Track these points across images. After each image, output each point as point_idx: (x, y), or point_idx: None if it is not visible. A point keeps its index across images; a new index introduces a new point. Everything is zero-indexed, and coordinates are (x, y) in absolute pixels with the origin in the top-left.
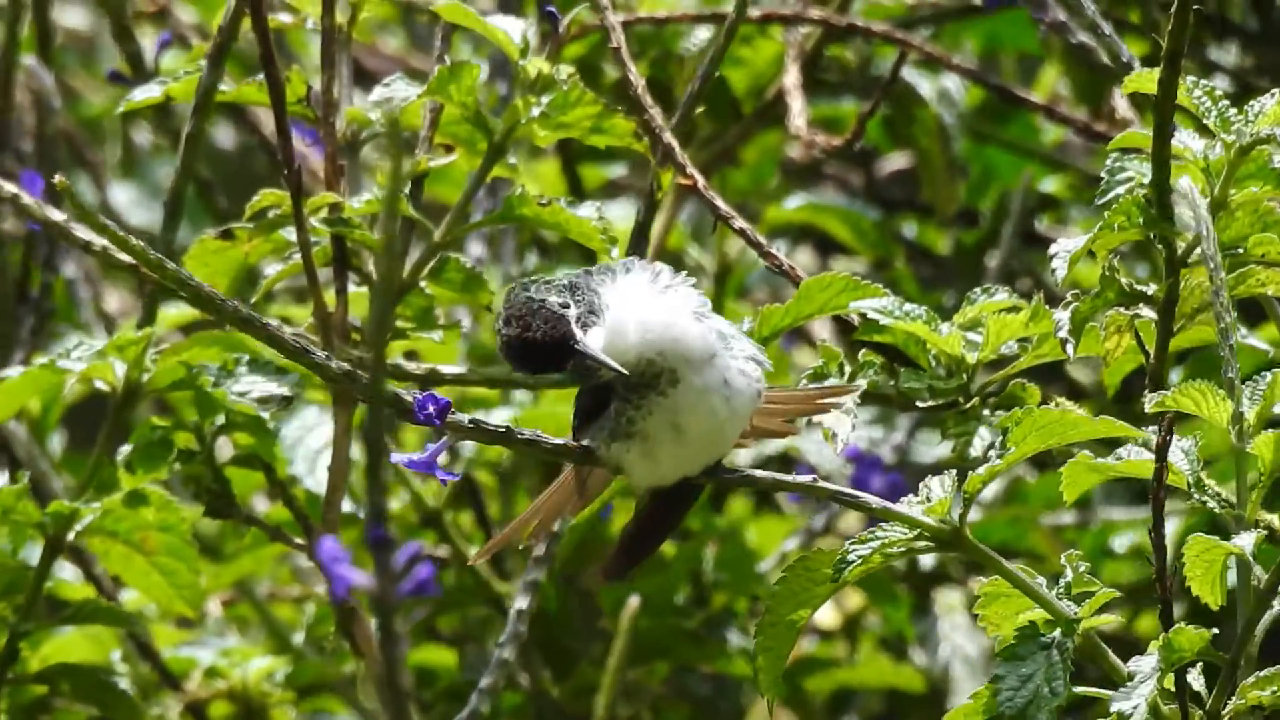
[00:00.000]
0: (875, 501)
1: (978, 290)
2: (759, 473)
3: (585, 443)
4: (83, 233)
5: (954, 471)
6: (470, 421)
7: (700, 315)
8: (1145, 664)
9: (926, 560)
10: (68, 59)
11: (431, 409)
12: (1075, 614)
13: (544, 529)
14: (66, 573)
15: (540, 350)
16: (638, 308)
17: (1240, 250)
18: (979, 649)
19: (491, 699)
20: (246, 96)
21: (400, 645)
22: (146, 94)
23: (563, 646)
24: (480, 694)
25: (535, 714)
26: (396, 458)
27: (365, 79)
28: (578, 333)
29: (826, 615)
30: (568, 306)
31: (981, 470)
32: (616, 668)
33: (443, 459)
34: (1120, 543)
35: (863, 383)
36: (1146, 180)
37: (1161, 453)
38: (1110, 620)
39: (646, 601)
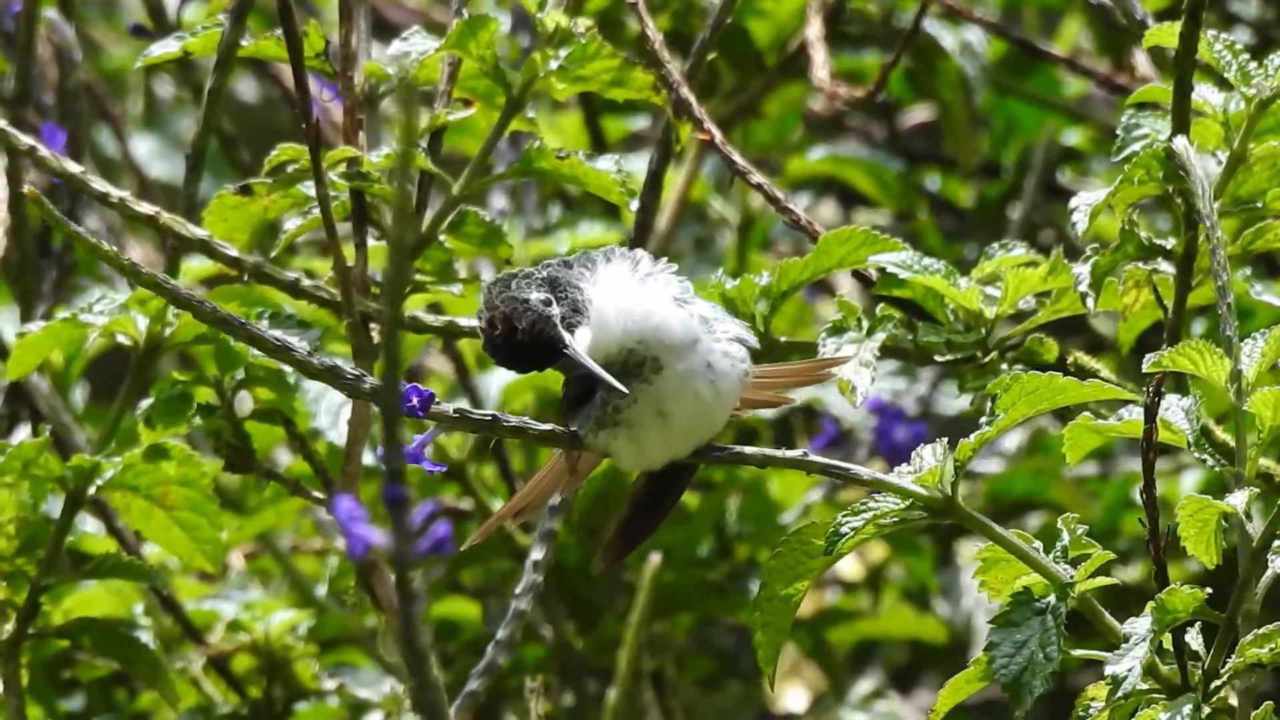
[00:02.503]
0: (865, 473)
1: (996, 245)
2: (749, 450)
3: (573, 429)
4: (100, 185)
5: (945, 440)
6: (455, 411)
7: (681, 301)
8: (1140, 626)
9: None
10: (89, 12)
11: (415, 401)
12: (1071, 577)
13: (537, 508)
14: (89, 527)
15: (527, 353)
16: (618, 299)
17: (1259, 204)
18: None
19: (510, 650)
20: (265, 51)
21: (418, 603)
22: (165, 49)
23: (586, 599)
24: (498, 645)
25: (559, 667)
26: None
27: (386, 31)
28: (565, 337)
29: (850, 567)
30: (550, 304)
31: (971, 438)
32: (639, 622)
33: (430, 449)
34: None
35: (853, 351)
36: (1163, 136)
37: (1150, 414)
38: (1106, 581)
39: (670, 554)
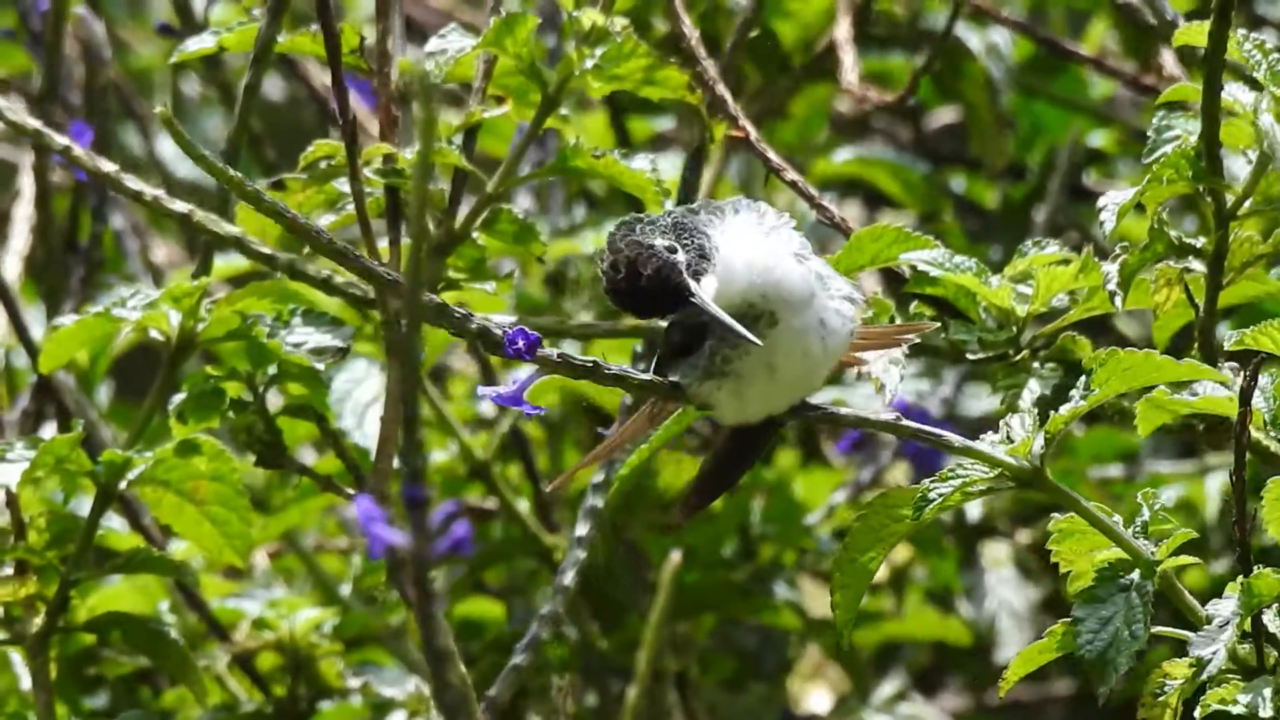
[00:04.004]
0: (957, 440)
1: (1028, 243)
2: (843, 410)
3: (673, 379)
4: (134, 183)
5: (1034, 411)
6: (559, 356)
7: (801, 257)
8: (1225, 608)
9: (973, 513)
10: (116, 10)
11: (521, 344)
12: (1153, 554)
13: (618, 453)
14: (113, 524)
15: (651, 298)
16: (745, 250)
17: None
18: (1025, 602)
19: (540, 652)
20: (300, 47)
21: (438, 603)
22: (200, 44)
23: (610, 599)
24: (541, 620)
25: (583, 666)
26: (483, 390)
27: (413, 31)
28: (692, 285)
29: None
30: (675, 251)
31: (1064, 410)
32: (658, 623)
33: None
34: (1168, 496)
35: (935, 324)
36: (1193, 137)
37: (1247, 395)
38: (1185, 561)
39: (694, 554)
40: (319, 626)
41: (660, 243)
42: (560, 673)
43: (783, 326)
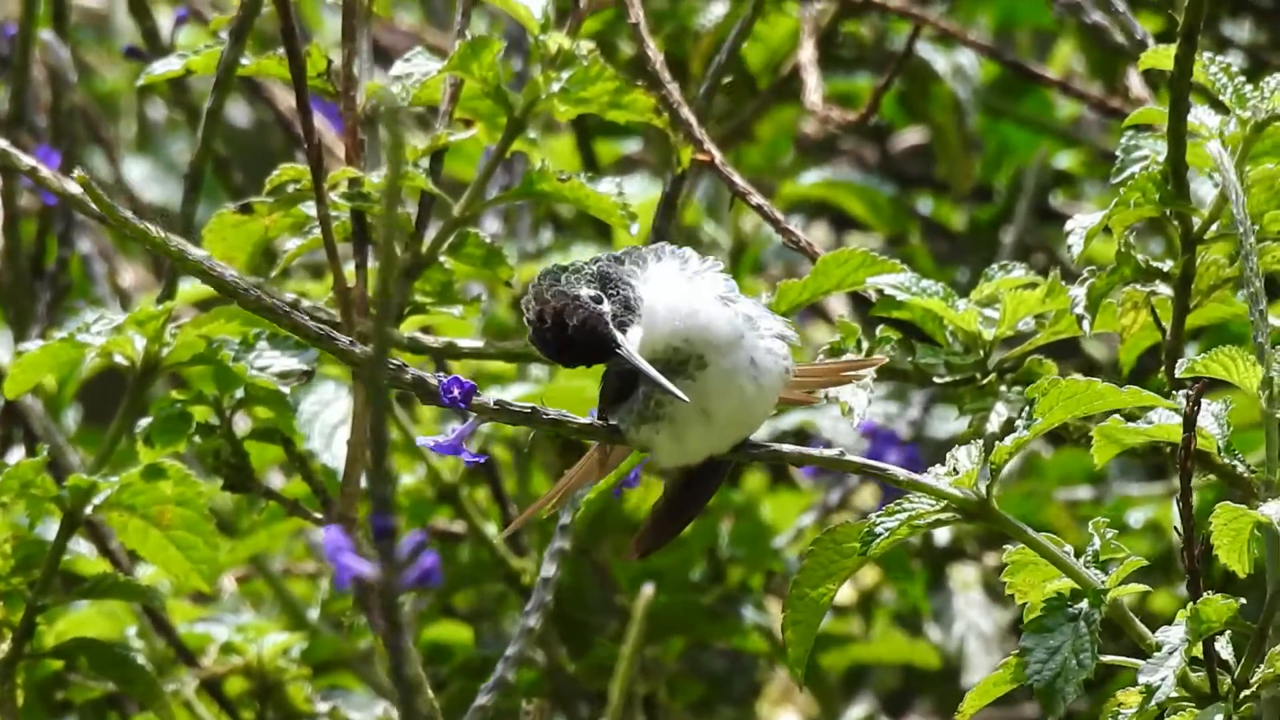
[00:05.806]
0: (901, 473)
1: (995, 267)
2: (786, 447)
3: (613, 423)
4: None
5: (980, 442)
6: (495, 403)
7: (727, 300)
8: (1174, 634)
9: (942, 536)
10: (82, 35)
11: (457, 392)
12: (1103, 583)
13: (567, 501)
14: (81, 549)
15: (578, 349)
16: (667, 296)
17: (1256, 227)
18: (994, 625)
19: (517, 667)
20: (267, 70)
21: (406, 635)
22: (167, 67)
23: (579, 622)
24: (506, 662)
25: (552, 690)
26: (423, 441)
27: (380, 54)
28: (618, 336)
29: (842, 591)
30: (601, 301)
31: (1008, 441)
32: (632, 654)
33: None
34: (1136, 518)
35: (884, 355)
36: (1161, 157)
37: (1190, 421)
38: (1137, 589)
39: (663, 577)
40: (287, 651)
41: (586, 293)
42: (529, 696)
43: (712, 369)
